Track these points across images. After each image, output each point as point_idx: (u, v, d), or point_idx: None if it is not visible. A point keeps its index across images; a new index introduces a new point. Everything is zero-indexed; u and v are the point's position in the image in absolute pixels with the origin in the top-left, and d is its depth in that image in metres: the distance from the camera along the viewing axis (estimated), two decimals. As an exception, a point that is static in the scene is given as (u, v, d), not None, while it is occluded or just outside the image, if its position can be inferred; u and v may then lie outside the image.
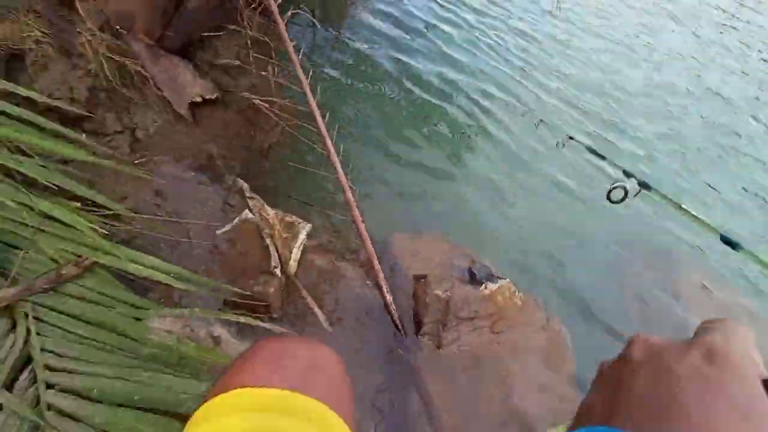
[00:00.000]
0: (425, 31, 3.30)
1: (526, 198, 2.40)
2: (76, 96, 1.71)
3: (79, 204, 1.13)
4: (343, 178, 1.83)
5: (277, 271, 1.56)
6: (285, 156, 2.06)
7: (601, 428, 0.26)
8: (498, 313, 1.74)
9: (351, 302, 1.70)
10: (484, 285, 1.76)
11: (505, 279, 1.85)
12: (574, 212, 2.40)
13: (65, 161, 1.47)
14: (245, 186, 1.82)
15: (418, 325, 1.68)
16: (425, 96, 2.77)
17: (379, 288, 1.69)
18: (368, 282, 1.76)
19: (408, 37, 3.16)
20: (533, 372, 1.67)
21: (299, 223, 1.76)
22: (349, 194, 1.82)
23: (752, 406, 0.24)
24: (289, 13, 2.10)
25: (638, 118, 3.21)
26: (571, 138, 0.99)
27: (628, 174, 0.85)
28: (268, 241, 1.64)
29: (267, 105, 2.08)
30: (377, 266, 1.69)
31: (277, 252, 1.63)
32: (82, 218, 1.06)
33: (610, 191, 0.85)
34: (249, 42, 2.14)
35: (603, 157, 0.89)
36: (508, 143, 2.66)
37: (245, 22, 2.24)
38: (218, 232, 1.63)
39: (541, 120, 1.42)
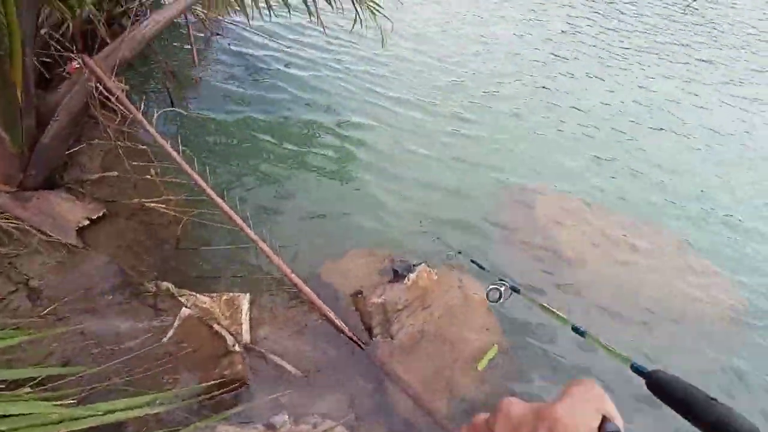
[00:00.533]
0: (282, 71, 3.40)
1: (419, 201, 2.70)
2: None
3: (27, 389, 1.08)
4: (260, 242, 1.92)
5: (236, 347, 1.64)
6: (197, 243, 2.07)
7: None
8: (423, 292, 2.04)
9: (313, 341, 1.84)
10: (407, 278, 2.04)
11: (420, 264, 2.16)
12: (457, 215, 2.71)
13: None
14: (170, 286, 1.81)
15: (369, 331, 1.89)
16: (300, 136, 2.92)
17: (328, 319, 1.86)
18: (317, 318, 1.92)
19: (267, 80, 3.24)
20: (461, 321, 2.02)
21: (238, 297, 1.83)
22: (271, 254, 1.93)
23: None
24: (155, 116, 2.07)
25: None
26: (459, 253, 1.18)
27: (503, 280, 0.95)
28: (215, 326, 1.69)
29: (162, 205, 2.05)
30: (319, 303, 1.85)
31: (228, 331, 1.69)
32: (36, 401, 1.04)
33: (487, 293, 0.94)
34: (119, 150, 2.06)
35: (483, 268, 1.05)
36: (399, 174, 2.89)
37: (109, 134, 2.13)
38: (164, 339, 1.63)
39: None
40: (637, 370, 0.47)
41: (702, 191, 3.57)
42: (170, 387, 1.37)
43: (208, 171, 2.10)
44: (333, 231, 2.40)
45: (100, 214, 1.99)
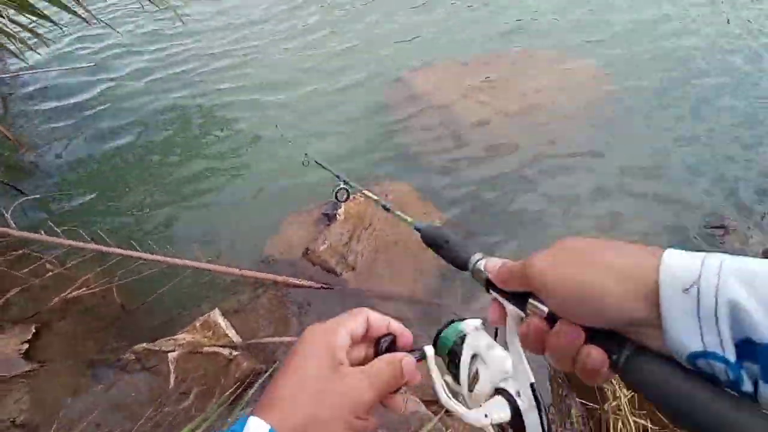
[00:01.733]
0: (105, 100, 3.04)
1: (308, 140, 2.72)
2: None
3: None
4: (191, 263, 1.97)
5: (234, 353, 1.80)
6: (140, 297, 2.07)
7: None
8: (358, 217, 2.23)
9: (292, 312, 2.03)
10: (337, 214, 2.20)
11: (342, 199, 2.31)
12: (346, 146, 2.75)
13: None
14: (144, 345, 1.87)
15: (334, 273, 2.10)
16: (161, 153, 2.75)
17: (294, 285, 2.03)
18: (287, 291, 2.08)
19: (93, 118, 2.91)
20: (396, 225, 2.27)
21: (208, 316, 1.94)
22: (212, 266, 2.00)
23: None
24: (8, 215, 1.89)
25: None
26: (306, 154, 1.20)
27: (339, 177, 0.96)
28: (206, 349, 1.82)
29: (83, 289, 1.98)
30: (279, 278, 2.01)
31: (218, 346, 1.83)
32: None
33: (335, 194, 0.96)
34: (5, 268, 1.91)
35: (326, 168, 1.04)
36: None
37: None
38: (170, 386, 1.75)
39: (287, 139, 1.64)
40: (417, 228, 0.55)
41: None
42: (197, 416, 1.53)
43: (101, 232, 2.01)
44: (254, 215, 2.46)
45: (33, 330, 1.92)
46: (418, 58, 3.30)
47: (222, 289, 2.12)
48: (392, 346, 0.40)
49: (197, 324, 1.92)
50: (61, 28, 2.58)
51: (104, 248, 1.83)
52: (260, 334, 1.93)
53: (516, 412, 0.38)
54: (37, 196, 2.48)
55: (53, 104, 3.00)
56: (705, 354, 0.26)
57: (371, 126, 2.87)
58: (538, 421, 0.37)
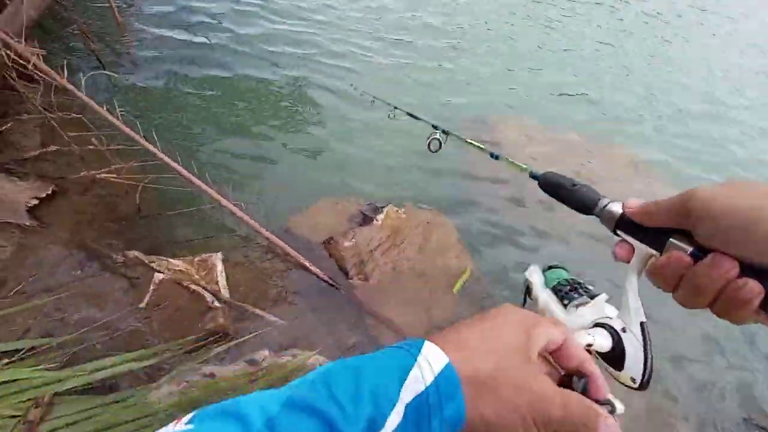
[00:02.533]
0: (219, 16, 3.13)
1: (377, 151, 2.65)
2: None
3: (5, 360, 1.10)
4: (223, 200, 1.91)
5: (216, 303, 1.69)
6: (159, 209, 2.03)
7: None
8: (393, 231, 2.11)
9: (290, 288, 1.91)
10: (375, 218, 2.10)
11: (387, 205, 2.22)
12: (410, 160, 2.65)
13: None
14: (138, 254, 1.80)
15: (346, 273, 1.98)
16: (248, 86, 2.78)
17: (303, 266, 1.92)
18: (292, 267, 1.98)
19: (202, 30, 3.00)
20: (433, 253, 2.14)
21: (210, 257, 1.85)
22: (237, 210, 1.93)
23: None
24: (83, 81, 1.91)
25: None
26: (395, 108, 1.19)
27: (435, 127, 0.95)
28: (192, 286, 1.72)
29: (114, 175, 1.96)
30: (292, 252, 1.90)
31: (205, 290, 1.73)
32: (19, 368, 1.06)
33: (428, 144, 0.95)
34: (53, 122, 1.92)
35: (417, 118, 1.06)
36: (348, 116, 2.78)
37: (35, 104, 1.97)
38: (141, 305, 1.65)
39: (374, 98, 1.65)
40: (533, 176, 0.55)
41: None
42: (155, 344, 1.42)
43: (155, 134, 2.00)
44: (296, 185, 2.40)
45: (49, 191, 1.90)
46: (509, 106, 3.24)
47: (234, 237, 2.04)
48: (585, 390, 0.36)
49: (196, 259, 1.84)
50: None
51: (150, 147, 1.81)
52: (248, 300, 1.82)
53: (618, 344, 0.40)
54: (116, 75, 2.53)
55: (169, 13, 3.12)
56: None
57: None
58: (642, 357, 0.39)
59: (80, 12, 2.88)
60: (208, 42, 2.94)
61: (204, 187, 1.87)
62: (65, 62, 1.97)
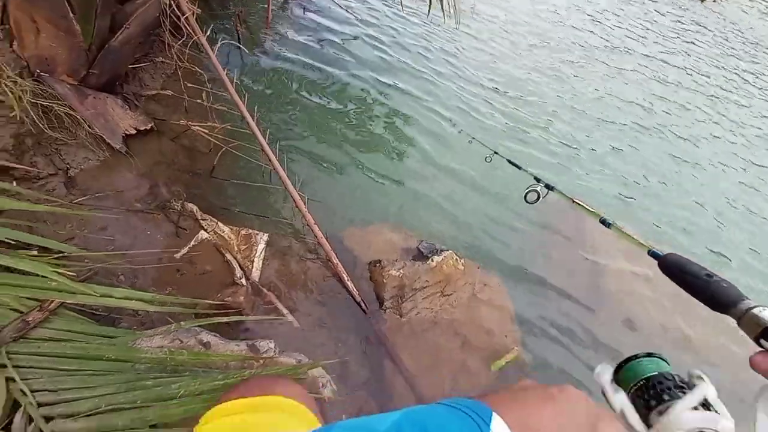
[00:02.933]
0: (350, 42, 3.37)
1: (460, 193, 2.52)
2: (2, 145, 1.59)
3: (35, 252, 1.08)
4: (290, 187, 1.88)
5: (243, 281, 1.59)
6: (230, 175, 2.05)
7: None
8: (445, 279, 1.90)
9: (318, 295, 1.77)
10: (430, 259, 1.91)
11: (448, 250, 2.02)
12: (500, 208, 2.52)
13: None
14: (195, 208, 1.80)
15: (380, 302, 1.79)
16: (355, 104, 2.86)
17: (340, 278, 1.77)
18: (329, 275, 1.84)
19: (332, 49, 3.22)
20: (480, 320, 1.87)
21: (256, 235, 1.79)
22: (300, 201, 1.87)
23: None
24: (218, 45, 2.09)
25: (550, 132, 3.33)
26: (495, 153, 1.16)
27: (538, 179, 0.93)
28: (228, 256, 1.65)
29: (206, 130, 2.05)
30: (335, 259, 1.77)
31: (239, 264, 1.65)
32: (43, 263, 1.02)
33: (526, 194, 0.94)
34: (179, 72, 2.09)
35: (519, 167, 1.06)
36: (440, 153, 2.72)
37: (173, 53, 2.17)
38: (177, 255, 1.61)
39: (473, 138, 1.58)
40: (653, 254, 0.53)
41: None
42: (172, 295, 1.33)
43: (256, 110, 2.07)
44: (367, 201, 2.32)
45: (148, 127, 2.02)
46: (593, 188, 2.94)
47: (287, 226, 1.97)
48: None
49: (243, 231, 1.79)
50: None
51: (247, 115, 1.86)
52: (275, 290, 1.70)
53: None
54: (247, 51, 2.76)
55: (312, 25, 3.44)
56: None
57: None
58: None
59: (241, 2, 3.28)
60: (334, 56, 3.14)
61: (279, 168, 1.86)
62: (211, 26, 2.17)
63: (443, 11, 2.83)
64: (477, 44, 3.99)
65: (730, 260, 2.88)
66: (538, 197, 0.92)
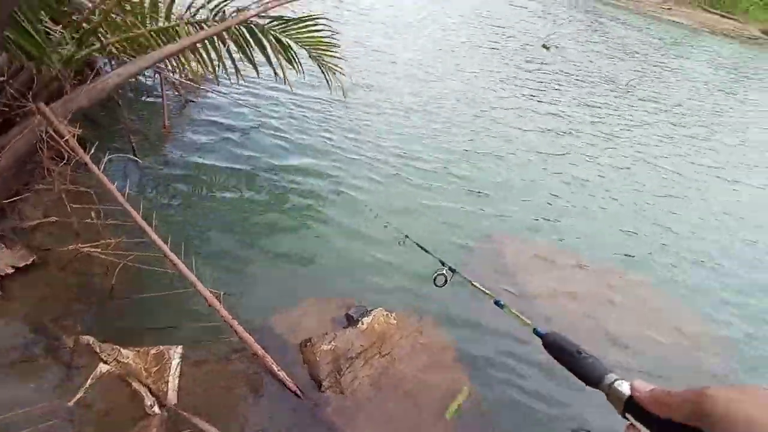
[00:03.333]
0: (248, 135, 3.46)
1: (374, 261, 2.48)
2: None
3: None
4: (201, 287, 1.78)
5: (155, 409, 1.41)
6: (133, 292, 1.91)
7: None
8: (380, 338, 1.87)
9: (250, 396, 1.63)
10: (360, 322, 1.88)
11: (377, 308, 2.01)
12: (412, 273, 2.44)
13: None
14: (91, 340, 1.61)
15: (318, 384, 1.69)
16: (262, 194, 2.86)
17: (270, 370, 1.66)
18: (258, 370, 1.71)
19: (232, 145, 3.27)
20: (424, 369, 1.83)
21: (169, 350, 1.64)
22: (213, 299, 1.77)
23: None
24: (104, 160, 2.04)
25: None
26: (407, 236, 1.25)
27: (443, 263, 0.98)
28: (135, 384, 1.48)
29: (99, 250, 1.92)
30: (260, 351, 1.67)
31: (149, 389, 1.48)
32: None
33: (434, 279, 0.97)
34: (64, 196, 1.98)
35: (426, 251, 1.11)
36: (358, 231, 2.70)
37: (53, 179, 2.07)
38: (70, 403, 1.40)
39: (377, 214, 1.67)
40: (537, 333, 0.54)
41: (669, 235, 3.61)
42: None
43: (155, 216, 2.01)
44: (288, 281, 2.27)
45: (29, 262, 1.85)
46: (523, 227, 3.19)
47: (204, 330, 1.84)
48: None
49: (152, 351, 1.63)
50: (257, 72, 3.15)
51: (143, 223, 1.79)
52: (200, 406, 1.53)
53: None
54: (140, 161, 2.71)
55: (213, 124, 3.52)
56: None
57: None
58: None
59: (133, 110, 3.28)
60: (235, 152, 3.16)
61: (185, 271, 1.77)
62: (96, 144, 2.13)
63: (329, 84, 3.10)
64: (368, 112, 4.34)
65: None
66: (446, 281, 0.96)
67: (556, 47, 8.76)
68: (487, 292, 0.78)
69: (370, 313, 1.92)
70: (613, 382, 0.41)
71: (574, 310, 2.55)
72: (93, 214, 1.96)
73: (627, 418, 0.39)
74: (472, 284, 0.84)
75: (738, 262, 3.48)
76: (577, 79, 7.23)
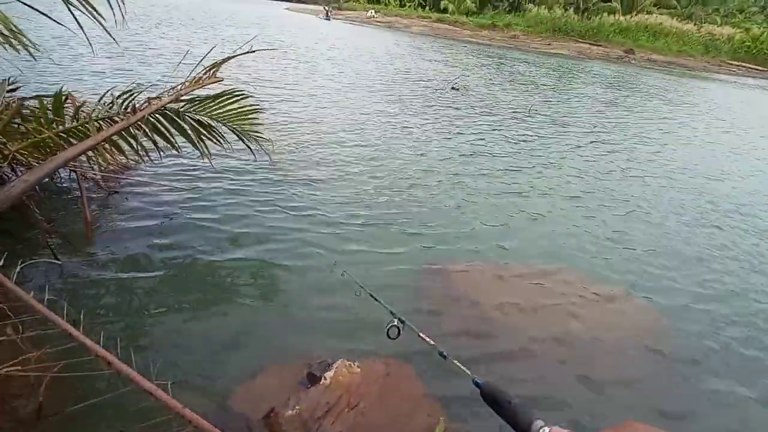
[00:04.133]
0: (180, 217, 3.35)
1: (332, 315, 2.49)
2: None
3: None
4: (142, 380, 1.67)
5: None
6: (65, 404, 1.73)
7: None
8: (346, 390, 1.85)
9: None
10: (323, 378, 1.86)
11: (338, 360, 2.00)
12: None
13: None
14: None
15: (289, 456, 1.61)
16: (195, 273, 2.75)
17: (234, 454, 1.56)
18: (222, 457, 1.60)
19: (161, 231, 3.13)
20: (396, 413, 1.83)
21: (114, 459, 1.49)
22: (159, 391, 1.66)
23: None
24: (17, 269, 1.90)
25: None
26: (362, 287, 1.28)
27: (393, 314, 1.02)
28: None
29: (18, 367, 1.73)
30: (219, 435, 1.57)
31: None
32: None
33: (387, 331, 1.02)
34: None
35: (379, 302, 1.15)
36: (312, 286, 2.72)
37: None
38: None
39: (344, 272, 1.70)
40: (475, 383, 0.60)
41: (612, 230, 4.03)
42: None
43: (83, 317, 1.88)
44: (241, 354, 2.18)
45: (-69, 401, 1.61)
46: (472, 251, 3.38)
47: (153, 427, 1.70)
48: None
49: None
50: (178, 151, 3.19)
51: (68, 326, 1.67)
52: None
53: None
54: (59, 263, 2.53)
55: (142, 207, 3.40)
56: None
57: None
58: None
59: (52, 210, 3.08)
60: (169, 238, 3.02)
61: (122, 367, 1.66)
62: (6, 254, 1.99)
63: (253, 152, 3.19)
64: (295, 167, 4.45)
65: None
66: (399, 332, 1.01)
67: (465, 87, 9.85)
68: (432, 343, 0.82)
69: (332, 367, 1.91)
70: (539, 429, 0.47)
71: (530, 323, 2.71)
72: (9, 330, 1.79)
73: None
74: (420, 336, 0.88)
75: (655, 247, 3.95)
76: (485, 111, 8.13)
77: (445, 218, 3.85)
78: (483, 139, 6.32)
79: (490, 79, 11.22)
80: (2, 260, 1.94)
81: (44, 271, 2.51)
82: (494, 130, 6.91)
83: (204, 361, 2.09)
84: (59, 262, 2.54)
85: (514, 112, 8.36)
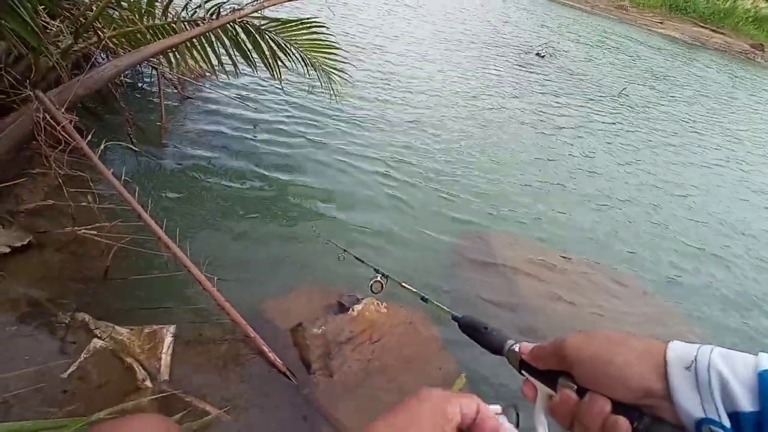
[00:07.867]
0: (246, 129, 3.52)
1: (375, 245, 2.68)
2: None
3: None
4: (195, 270, 1.83)
5: (147, 383, 1.46)
6: (128, 273, 1.95)
7: None
8: (370, 326, 1.92)
9: (241, 376, 1.67)
10: (351, 309, 1.94)
11: (368, 298, 2.07)
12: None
13: None
14: (87, 317, 1.66)
15: (308, 366, 1.74)
16: (252, 186, 2.90)
17: (261, 351, 1.71)
18: (250, 352, 1.76)
19: (229, 138, 3.34)
20: (410, 357, 1.89)
21: (161, 330, 1.68)
22: (206, 282, 1.82)
23: None
24: (101, 147, 2.08)
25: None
26: (345, 250, 1.27)
27: (377, 270, 1.00)
28: (128, 359, 1.52)
29: (94, 232, 1.96)
30: (252, 333, 1.72)
31: (142, 365, 1.52)
32: None
33: (371, 286, 1.00)
34: (60, 181, 2.02)
35: (362, 261, 1.11)
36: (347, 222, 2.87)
37: (51, 163, 2.11)
38: (63, 375, 1.44)
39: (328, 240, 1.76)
40: (454, 318, 0.60)
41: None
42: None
43: (150, 202, 2.06)
44: (281, 270, 2.32)
45: (25, 242, 1.88)
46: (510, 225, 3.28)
47: (197, 312, 1.89)
48: None
49: (145, 330, 1.67)
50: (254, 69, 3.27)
51: (137, 206, 1.84)
52: (191, 382, 1.58)
53: None
54: (136, 149, 2.76)
55: (209, 121, 3.58)
56: (707, 420, 0.33)
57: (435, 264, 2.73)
58: None
59: (131, 105, 3.33)
60: (231, 145, 3.23)
61: (179, 254, 1.82)
62: (93, 131, 2.18)
63: (332, 90, 3.18)
64: (364, 111, 4.43)
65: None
66: (382, 287, 0.99)
67: (551, 55, 8.95)
68: (414, 290, 0.81)
69: (361, 302, 1.98)
70: (510, 347, 0.48)
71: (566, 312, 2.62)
72: (89, 198, 2.01)
73: (523, 375, 0.47)
74: (402, 285, 0.88)
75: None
76: (566, 82, 7.38)
77: (485, 186, 3.69)
78: (552, 112, 5.81)
79: (582, 51, 10.09)
80: (90, 136, 2.12)
81: (122, 155, 2.75)
82: (570, 104, 6.31)
83: (248, 269, 2.25)
84: (137, 150, 2.75)
85: (600, 89, 7.54)
